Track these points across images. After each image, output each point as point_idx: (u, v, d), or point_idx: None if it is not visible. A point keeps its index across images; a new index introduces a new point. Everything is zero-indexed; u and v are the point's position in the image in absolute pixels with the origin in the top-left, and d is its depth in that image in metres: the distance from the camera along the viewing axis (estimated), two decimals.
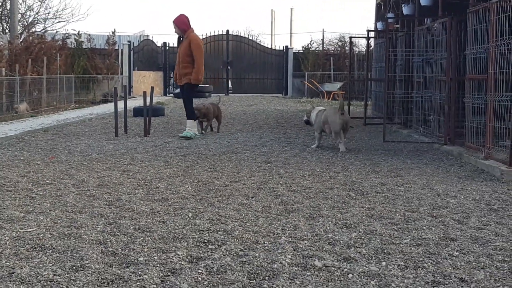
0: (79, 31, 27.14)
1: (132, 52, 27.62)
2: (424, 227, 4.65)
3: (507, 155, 7.21)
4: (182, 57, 10.37)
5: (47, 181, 6.34)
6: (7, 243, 4.09)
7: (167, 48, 29.05)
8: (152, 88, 11.69)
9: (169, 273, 3.53)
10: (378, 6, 17.61)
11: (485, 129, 7.99)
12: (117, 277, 3.44)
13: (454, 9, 11.47)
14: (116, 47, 26.94)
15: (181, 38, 10.49)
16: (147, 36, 32.93)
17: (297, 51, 30.26)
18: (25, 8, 30.50)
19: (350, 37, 17.47)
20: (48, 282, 3.34)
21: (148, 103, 11.15)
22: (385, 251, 4.02)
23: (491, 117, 7.72)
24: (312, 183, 6.41)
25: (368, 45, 16.15)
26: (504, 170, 6.90)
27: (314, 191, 5.98)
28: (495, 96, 7.62)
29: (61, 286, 3.29)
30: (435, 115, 10.61)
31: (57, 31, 27.54)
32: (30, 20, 36.07)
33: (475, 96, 8.50)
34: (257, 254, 3.89)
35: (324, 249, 4.05)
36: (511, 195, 5.95)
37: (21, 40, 21.18)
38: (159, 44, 29.77)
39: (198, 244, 4.13)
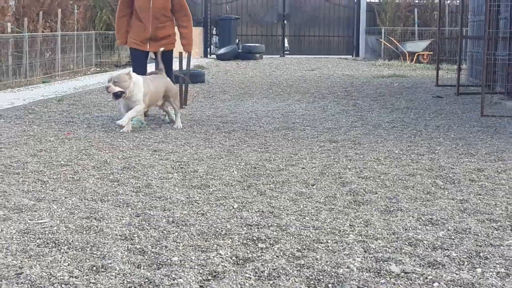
0: None
1: None
2: None
3: None
4: (157, 11, 8.94)
5: (62, 162, 6.46)
6: (14, 237, 4.19)
7: None
8: None
9: (209, 277, 3.56)
10: None
11: None
12: (146, 280, 3.49)
13: None
14: None
15: None
16: None
17: (372, 1, 29.88)
18: None
19: None
20: (63, 286, 3.41)
21: (184, 66, 11.21)
22: (481, 254, 3.97)
23: None
24: (389, 168, 6.36)
25: None
26: None
27: (391, 178, 5.94)
28: None
29: None
30: None
31: None
32: None
33: None
34: (318, 256, 3.89)
35: (403, 251, 4.02)
36: None
37: None
38: None
39: (245, 242, 4.15)
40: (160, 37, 8.89)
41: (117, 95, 7.96)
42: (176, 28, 9.37)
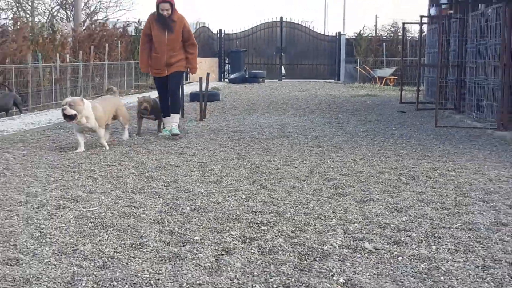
0: (139, 19, 27.50)
1: None
2: (475, 212, 4.56)
3: None
4: (173, 44, 8.52)
5: (109, 163, 6.47)
6: (71, 221, 4.20)
7: (223, 35, 29.21)
8: (207, 74, 11.79)
9: (223, 252, 3.57)
10: None
11: None
12: (174, 255, 3.50)
13: None
14: None
15: (167, 21, 8.44)
16: (203, 23, 33.16)
17: (349, 37, 29.92)
18: None
19: (403, 23, 17.22)
20: (109, 259, 3.42)
21: (203, 88, 11.23)
22: (436, 235, 3.97)
23: None
24: (363, 167, 6.36)
25: (421, 31, 15.86)
26: None
27: (365, 175, 5.94)
28: None
29: (121, 262, 3.37)
30: (488, 101, 10.37)
31: (118, 19, 28.11)
32: (92, 8, 36.72)
33: None
34: (308, 236, 3.89)
35: (375, 232, 4.02)
36: None
37: (84, 28, 21.61)
38: (214, 31, 29.91)
39: (251, 225, 4.16)
40: (173, 62, 8.52)
41: (71, 117, 7.11)
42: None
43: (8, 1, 36.43)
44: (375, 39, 29.09)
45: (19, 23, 15.67)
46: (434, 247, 3.73)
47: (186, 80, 25.51)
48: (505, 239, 3.89)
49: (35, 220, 4.19)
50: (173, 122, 8.59)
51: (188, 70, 8.92)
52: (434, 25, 15.70)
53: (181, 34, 8.50)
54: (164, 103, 8.74)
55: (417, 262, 3.46)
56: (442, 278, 3.22)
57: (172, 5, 8.38)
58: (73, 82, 16.39)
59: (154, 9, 8.56)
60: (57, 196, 4.90)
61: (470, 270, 3.34)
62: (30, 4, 35.88)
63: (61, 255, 3.48)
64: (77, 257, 3.45)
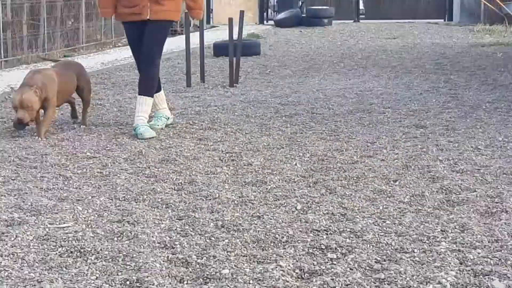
0: None
1: None
2: None
3: None
4: None
5: (88, 154, 6.55)
6: (31, 245, 4.25)
7: None
8: (241, 12, 11.77)
9: None
10: None
11: None
12: None
13: None
14: None
15: None
16: None
17: None
18: None
19: None
20: None
21: (235, 35, 11.25)
22: None
23: None
24: (491, 160, 6.30)
25: None
26: None
27: (494, 172, 5.88)
28: None
29: None
30: None
31: None
32: None
33: None
34: (402, 269, 3.88)
35: (509, 262, 3.99)
36: None
37: None
38: None
39: (311, 251, 4.16)
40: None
41: (24, 126, 7.20)
42: None
43: None
44: None
45: None
46: None
47: (208, 23, 25.57)
48: None
49: None
50: (140, 112, 7.57)
51: (188, 13, 8.22)
52: None
53: None
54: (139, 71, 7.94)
55: None
56: None
57: None
58: (33, 28, 16.58)
59: None
60: (9, 206, 4.97)
61: None
62: None
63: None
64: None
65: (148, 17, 7.35)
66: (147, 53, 7.54)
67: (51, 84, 7.21)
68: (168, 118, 7.89)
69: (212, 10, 26.74)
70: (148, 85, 7.59)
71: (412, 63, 13.99)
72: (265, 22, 27.93)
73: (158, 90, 7.83)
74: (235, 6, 25.57)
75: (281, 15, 26.06)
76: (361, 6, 29.59)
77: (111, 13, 7.64)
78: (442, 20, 28.55)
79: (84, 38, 18.26)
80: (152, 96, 7.61)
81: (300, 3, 26.97)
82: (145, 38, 7.47)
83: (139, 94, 7.59)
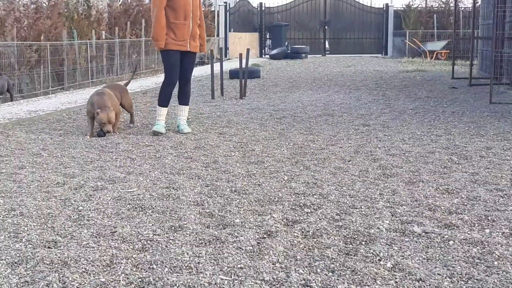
0: None
1: (228, 13, 27.83)
2: None
3: None
4: (196, 10, 7.10)
5: (146, 143, 6.56)
6: (109, 203, 4.28)
7: (263, 8, 29.11)
8: (248, 49, 11.78)
9: (265, 235, 3.60)
10: None
11: None
12: (214, 238, 3.54)
13: None
14: (212, 9, 27.23)
15: None
16: None
17: (398, 8, 29.47)
18: None
19: None
20: (148, 241, 3.48)
21: (244, 65, 11.24)
22: (489, 218, 3.92)
23: None
24: (412, 147, 6.31)
25: (475, 1, 15.52)
26: None
27: (414, 155, 5.89)
28: None
29: (160, 245, 3.43)
30: None
31: None
32: None
33: None
34: (353, 219, 3.89)
35: (424, 215, 4.00)
36: None
37: (119, 2, 21.75)
38: (254, 5, 29.81)
39: (293, 207, 4.17)
40: (195, 35, 7.12)
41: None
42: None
43: None
44: (425, 11, 28.59)
45: None
46: (487, 230, 3.69)
47: (226, 56, 25.55)
48: None
49: (73, 202, 4.28)
50: (182, 116, 7.31)
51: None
52: None
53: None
54: (169, 89, 7.27)
55: (469, 246, 3.43)
56: (496, 263, 3.19)
57: None
58: (109, 59, 16.57)
59: None
60: (94, 177, 5.00)
61: None
62: None
63: (99, 238, 3.55)
64: (115, 239, 3.52)
65: (188, 49, 7.04)
66: (187, 75, 7.23)
67: (115, 100, 7.19)
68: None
69: (228, 48, 26.68)
70: (187, 97, 7.32)
71: (360, 83, 13.96)
72: (263, 56, 27.85)
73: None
74: (243, 45, 25.52)
75: (274, 51, 26.00)
76: (327, 45, 29.50)
77: (163, 44, 6.90)
78: (380, 55, 28.49)
79: (144, 66, 18.25)
80: (188, 104, 7.36)
81: (286, 43, 26.91)
82: (186, 64, 7.11)
83: (179, 104, 7.31)
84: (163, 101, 7.18)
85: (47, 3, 16.01)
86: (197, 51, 7.22)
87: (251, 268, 3.11)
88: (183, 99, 7.31)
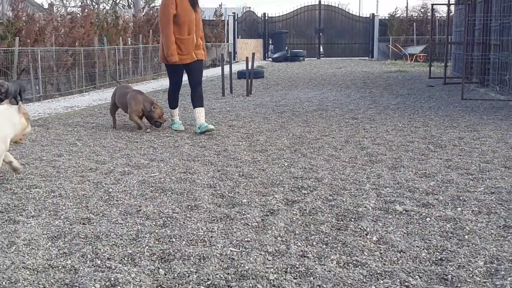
0: None
1: (236, 22, 27.79)
2: (498, 177, 4.48)
3: None
4: (199, 23, 6.70)
5: (167, 135, 6.56)
6: (135, 185, 4.29)
7: (266, 18, 29.01)
8: (253, 53, 11.76)
9: (268, 213, 3.60)
10: None
11: None
12: (225, 215, 3.54)
13: None
14: (223, 19, 27.19)
15: None
16: (249, 8, 32.99)
17: (382, 18, 29.35)
18: None
19: (432, 4, 16.85)
20: (168, 218, 3.49)
21: (250, 67, 11.22)
22: (461, 198, 3.92)
23: None
24: (395, 137, 6.30)
25: (449, 11, 15.45)
26: None
27: (396, 144, 5.88)
28: None
29: (179, 222, 3.44)
30: (511, 75, 10.09)
31: None
32: None
33: None
34: (344, 199, 3.89)
35: (405, 195, 4.00)
36: None
37: (143, 13, 21.71)
38: (259, 15, 29.72)
39: (292, 189, 4.17)
40: (199, 46, 6.71)
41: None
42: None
43: None
44: (406, 20, 28.49)
45: (86, 10, 15.86)
46: (459, 209, 3.69)
47: (234, 59, 25.49)
48: None
49: (104, 185, 4.29)
50: (202, 117, 6.66)
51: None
52: (460, 5, 15.29)
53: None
54: (176, 94, 6.94)
55: (443, 222, 3.43)
56: (466, 237, 3.19)
57: None
58: (134, 62, 16.56)
59: None
60: (122, 164, 5.00)
61: (492, 230, 3.30)
62: None
63: (126, 215, 3.56)
64: (140, 217, 3.53)
65: (193, 60, 6.55)
66: (197, 80, 6.68)
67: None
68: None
69: (236, 52, 26.63)
70: (200, 99, 6.66)
71: (350, 82, 13.93)
72: (266, 59, 27.79)
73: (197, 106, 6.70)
74: (249, 50, 25.47)
75: (276, 55, 25.94)
76: (321, 50, 29.42)
77: (177, 58, 6.46)
78: (367, 58, 28.41)
79: (164, 69, 18.21)
80: (203, 106, 6.69)
81: (286, 48, 26.84)
82: (194, 71, 6.63)
83: (194, 107, 6.66)
84: (173, 104, 6.94)
85: (80, 14, 15.98)
86: (203, 58, 6.76)
87: (256, 241, 3.11)
88: (197, 102, 6.66)
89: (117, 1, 37.17)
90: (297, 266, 2.78)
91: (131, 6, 31.11)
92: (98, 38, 15.03)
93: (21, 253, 2.95)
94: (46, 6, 24.33)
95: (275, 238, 3.17)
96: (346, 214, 3.58)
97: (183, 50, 6.49)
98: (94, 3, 34.26)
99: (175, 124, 6.96)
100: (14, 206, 3.74)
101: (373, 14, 29.42)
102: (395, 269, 2.76)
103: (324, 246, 3.07)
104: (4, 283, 2.60)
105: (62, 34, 14.02)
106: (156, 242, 3.10)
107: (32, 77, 11.62)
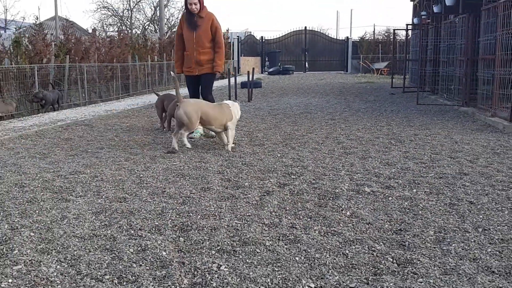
0: None
1: (239, 44, 27.71)
2: (445, 165, 4.48)
3: (508, 114, 6.82)
4: (201, 41, 6.02)
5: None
6: (160, 172, 4.28)
7: (264, 40, 28.94)
8: (253, 68, 11.74)
9: (265, 194, 3.60)
10: (414, 6, 16.76)
11: (492, 95, 7.58)
12: (231, 195, 3.54)
13: (471, 7, 10.71)
14: (229, 41, 27.12)
15: (194, 18, 5.97)
16: (250, 32, 32.90)
17: (355, 40, 29.27)
18: (169, 14, 31.05)
19: (394, 29, 16.77)
20: (187, 198, 3.49)
21: (250, 79, 11.19)
22: (416, 181, 3.92)
23: (497, 86, 7.32)
24: (364, 134, 6.29)
25: (407, 35, 15.41)
26: (506, 125, 6.53)
27: (365, 139, 5.87)
28: (500, 71, 7.17)
29: (195, 200, 3.43)
30: (455, 85, 10.08)
31: None
32: (172, 23, 36.68)
33: (486, 71, 8.04)
34: (324, 182, 3.89)
35: (372, 180, 4.00)
36: (511, 143, 5.62)
37: (166, 37, 21.62)
38: (258, 38, 29.64)
39: (284, 175, 4.17)
40: (203, 61, 6.04)
41: None
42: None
43: (114, 19, 36.73)
44: (373, 41, 28.43)
45: (122, 34, 15.78)
46: (414, 190, 3.69)
47: (238, 73, 25.42)
48: (466, 185, 3.82)
49: (136, 171, 4.28)
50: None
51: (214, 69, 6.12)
52: (416, 30, 15.26)
53: (210, 31, 5.99)
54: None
55: (402, 201, 3.43)
56: (420, 212, 3.20)
57: (199, 0, 5.93)
58: (160, 75, 16.52)
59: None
60: (150, 155, 4.99)
61: (440, 206, 3.31)
62: (129, 21, 36.15)
63: (154, 195, 3.56)
64: (165, 196, 3.53)
65: (196, 73, 6.08)
66: (205, 90, 6.12)
67: None
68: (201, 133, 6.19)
69: (240, 67, 26.55)
70: None
71: (329, 91, 13.90)
72: (263, 72, 27.71)
73: None
74: (250, 65, 25.36)
75: (271, 69, 25.86)
76: (307, 65, 29.32)
77: (181, 71, 6.17)
78: (343, 71, 28.34)
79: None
80: None
81: (279, 64, 26.76)
82: (202, 83, 6.12)
83: None
84: None
85: (117, 37, 15.93)
86: (208, 71, 6.08)
87: (256, 215, 3.12)
88: None
89: (146, 27, 37.06)
90: (287, 235, 2.78)
91: (157, 31, 31.00)
92: (131, 56, 14.99)
93: (71, 225, 2.95)
94: (90, 30, 24.25)
95: (270, 213, 3.18)
96: (326, 194, 3.58)
97: (186, 64, 6.15)
98: (128, 29, 34.16)
99: (197, 131, 6.16)
100: (65, 188, 3.74)
101: (347, 37, 29.34)
102: (364, 237, 2.76)
103: (309, 219, 3.07)
104: (58, 248, 2.60)
105: (103, 53, 13.98)
106: (177, 216, 3.10)
107: (80, 87, 11.59)
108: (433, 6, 13.15)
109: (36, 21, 12.14)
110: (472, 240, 2.71)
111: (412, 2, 17.28)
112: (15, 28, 11.85)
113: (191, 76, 6.15)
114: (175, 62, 6.28)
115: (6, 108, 9.00)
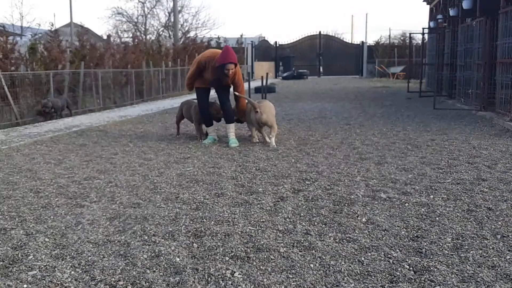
0: (218, 35, 27.66)
1: (253, 49, 27.80)
2: (462, 171, 4.43)
3: None
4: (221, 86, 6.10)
5: (198, 136, 6.56)
6: (174, 177, 4.30)
7: (277, 45, 28.99)
8: (267, 73, 11.76)
9: (279, 199, 3.59)
10: (430, 9, 16.66)
11: (510, 99, 7.47)
12: (244, 201, 3.54)
13: (488, 10, 10.61)
14: (243, 46, 27.24)
15: (221, 76, 5.90)
16: (264, 37, 33.00)
17: (370, 44, 29.16)
18: (183, 20, 31.32)
19: (410, 33, 16.69)
20: (200, 203, 3.50)
21: (264, 83, 11.20)
22: (433, 187, 3.88)
23: None
24: (380, 139, 6.25)
25: (423, 39, 15.31)
26: None
27: (381, 145, 5.83)
28: None
29: (208, 206, 3.44)
30: (473, 89, 9.97)
31: (204, 36, 28.18)
32: (186, 28, 36.99)
33: (504, 75, 7.94)
34: (339, 188, 3.87)
35: (388, 185, 3.97)
36: None
37: (180, 43, 21.79)
38: (271, 43, 29.70)
39: (298, 180, 4.16)
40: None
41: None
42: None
43: (129, 25, 37.15)
44: (389, 45, 28.29)
45: (136, 40, 15.96)
46: (431, 196, 3.65)
47: (252, 78, 25.49)
48: (484, 191, 3.77)
49: (150, 177, 4.31)
50: (230, 133, 6.04)
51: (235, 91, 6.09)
52: (433, 34, 15.15)
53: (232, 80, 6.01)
54: (205, 112, 6.21)
55: (419, 207, 3.40)
56: (437, 218, 3.16)
57: (236, 65, 5.90)
58: (174, 81, 16.63)
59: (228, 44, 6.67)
60: (164, 160, 5.02)
61: (458, 212, 3.26)
62: (143, 27, 36.54)
63: (167, 201, 3.58)
64: (178, 202, 3.55)
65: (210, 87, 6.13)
66: (222, 101, 6.09)
67: None
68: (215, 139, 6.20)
69: (254, 72, 26.64)
70: (227, 116, 6.06)
71: (344, 95, 13.85)
72: (277, 77, 27.74)
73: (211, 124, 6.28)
74: (264, 70, 25.42)
75: (285, 74, 25.89)
76: (321, 69, 29.28)
77: (191, 88, 6.20)
78: (358, 76, 28.23)
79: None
80: (231, 122, 6.07)
81: (293, 68, 26.78)
82: (219, 96, 6.09)
83: (225, 123, 6.15)
84: (206, 122, 6.25)
85: (132, 43, 16.10)
86: (225, 86, 6.03)
87: (270, 221, 3.11)
88: (226, 118, 6.08)
89: (160, 33, 37.39)
90: (302, 241, 2.77)
91: (171, 37, 31.27)
92: (146, 62, 15.13)
93: (86, 230, 2.98)
94: (105, 37, 24.55)
95: (284, 219, 3.17)
96: (341, 200, 3.56)
97: (201, 83, 6.15)
98: (142, 35, 34.50)
99: (208, 139, 6.18)
100: (80, 193, 3.78)
101: (362, 42, 29.26)
102: (380, 244, 2.74)
103: (324, 225, 3.05)
104: (72, 253, 2.63)
105: (118, 59, 14.13)
106: (191, 222, 3.11)
107: (94, 92, 11.73)
108: (450, 9, 13.05)
109: (51, 28, 12.34)
110: (491, 247, 2.67)
111: (428, 6, 17.18)
112: (31, 34, 12.06)
113: (204, 88, 6.14)
114: (187, 83, 6.20)
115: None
